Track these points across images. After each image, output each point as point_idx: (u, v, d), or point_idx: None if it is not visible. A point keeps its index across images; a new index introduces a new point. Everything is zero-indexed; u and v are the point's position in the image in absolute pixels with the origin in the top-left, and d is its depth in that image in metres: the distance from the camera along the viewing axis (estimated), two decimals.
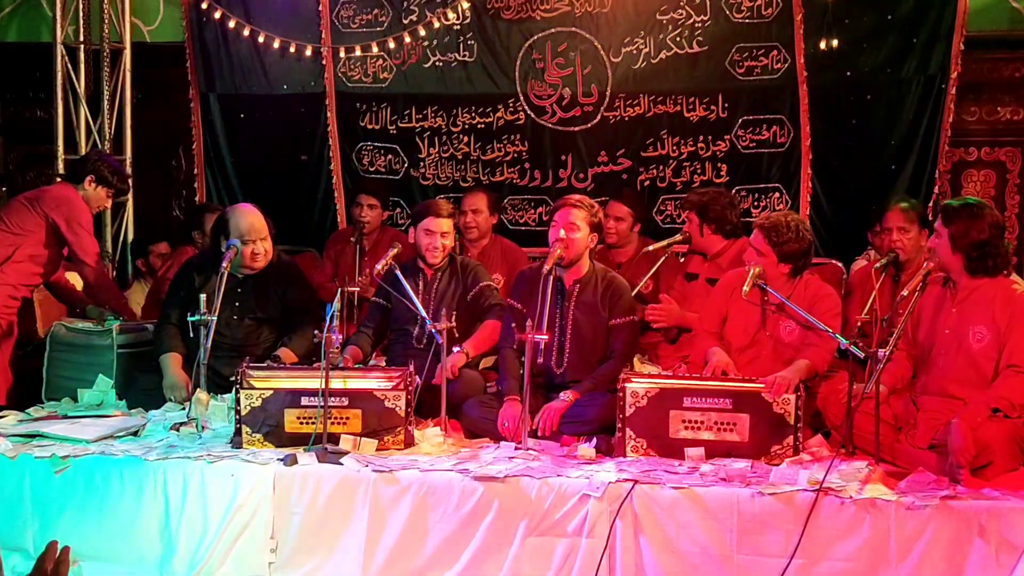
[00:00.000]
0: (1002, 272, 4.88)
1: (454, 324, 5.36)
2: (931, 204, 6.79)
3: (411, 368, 5.15)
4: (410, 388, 5.07)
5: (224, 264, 5.58)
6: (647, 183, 7.51)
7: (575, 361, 5.45)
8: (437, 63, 7.72)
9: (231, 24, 7.78)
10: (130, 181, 7.71)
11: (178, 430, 5.19)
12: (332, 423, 4.96)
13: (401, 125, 7.83)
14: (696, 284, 6.31)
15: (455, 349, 5.57)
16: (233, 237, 5.77)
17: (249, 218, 5.86)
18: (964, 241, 4.79)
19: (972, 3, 6.90)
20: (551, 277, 5.31)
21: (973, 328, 4.80)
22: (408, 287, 5.64)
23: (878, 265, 5.65)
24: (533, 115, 7.62)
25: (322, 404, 4.89)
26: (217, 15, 7.78)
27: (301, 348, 5.75)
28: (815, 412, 5.13)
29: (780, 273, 5.35)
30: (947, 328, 4.88)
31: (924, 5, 6.95)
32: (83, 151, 7.86)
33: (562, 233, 5.39)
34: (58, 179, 7.14)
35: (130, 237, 8.17)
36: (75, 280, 6.70)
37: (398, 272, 5.70)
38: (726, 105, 7.35)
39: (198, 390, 5.26)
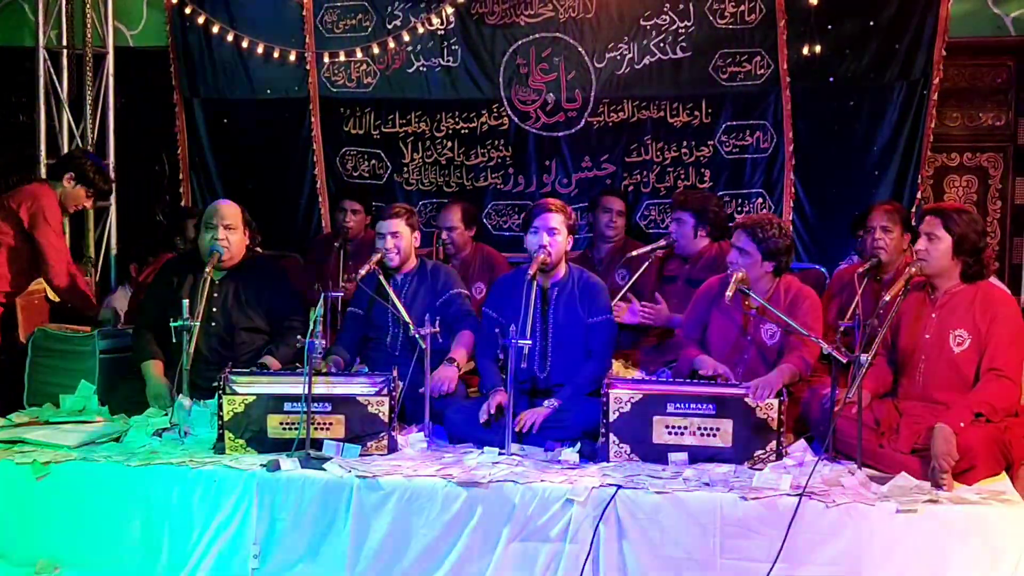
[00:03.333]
0: (985, 278, 4.92)
1: (438, 329, 5.35)
2: (914, 209, 6.82)
3: (395, 373, 5.14)
4: (393, 393, 5.06)
5: (207, 269, 5.56)
6: (631, 188, 7.52)
7: (558, 364, 5.44)
8: (421, 68, 7.73)
9: (215, 29, 7.77)
10: (113, 183, 7.70)
11: (160, 436, 5.17)
12: (315, 429, 4.95)
13: (385, 130, 7.83)
14: (674, 286, 6.31)
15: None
16: (203, 226, 5.77)
17: (217, 205, 5.86)
18: (966, 247, 4.83)
19: (954, 9, 6.93)
20: (536, 284, 5.31)
21: (953, 332, 4.83)
22: (392, 292, 5.64)
23: (861, 270, 5.66)
24: (517, 120, 7.63)
25: (305, 410, 4.88)
26: (200, 20, 7.77)
27: (286, 355, 5.73)
28: (798, 416, 5.14)
29: (764, 272, 5.36)
30: (927, 333, 4.90)
31: (906, 11, 6.98)
32: (63, 154, 7.84)
33: (545, 239, 5.39)
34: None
35: (113, 242, 8.15)
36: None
37: (381, 277, 5.69)
38: (709, 110, 7.37)
39: (180, 395, 5.24)
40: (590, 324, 5.44)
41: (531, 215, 5.50)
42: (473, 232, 7.08)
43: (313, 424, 4.93)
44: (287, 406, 4.99)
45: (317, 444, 4.93)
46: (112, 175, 7.77)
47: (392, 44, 7.62)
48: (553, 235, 5.39)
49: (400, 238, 5.80)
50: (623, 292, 6.21)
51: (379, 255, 5.76)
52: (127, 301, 7.43)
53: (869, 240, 5.86)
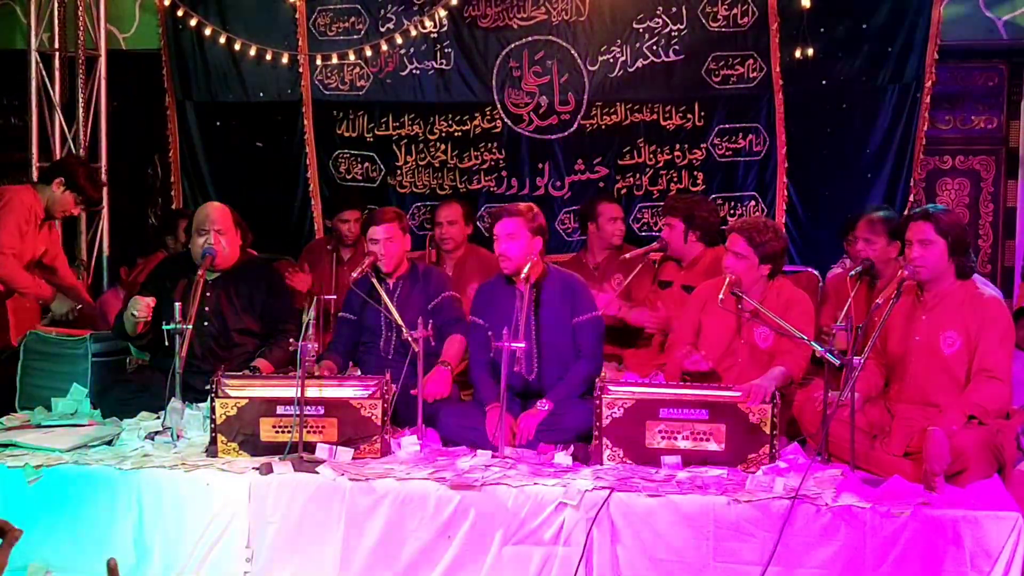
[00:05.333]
0: (973, 275, 4.95)
1: (430, 332, 5.34)
2: (906, 212, 6.83)
3: (387, 376, 5.14)
4: (386, 397, 5.05)
5: (200, 272, 5.55)
6: (624, 191, 7.53)
7: (548, 365, 5.44)
8: (414, 71, 7.72)
9: (207, 31, 7.76)
10: (105, 191, 7.69)
11: (153, 439, 5.16)
12: (308, 432, 4.95)
13: (378, 133, 7.82)
14: (671, 291, 6.32)
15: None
16: (194, 231, 5.77)
17: (206, 209, 5.84)
18: (960, 247, 4.85)
19: (946, 13, 6.96)
20: (525, 288, 5.30)
21: (944, 334, 4.84)
22: (385, 296, 5.63)
23: (853, 273, 5.67)
24: (510, 123, 7.63)
25: (298, 413, 4.87)
26: (193, 22, 7.75)
27: (279, 359, 5.72)
28: (791, 420, 5.14)
29: (760, 276, 5.37)
30: (918, 335, 4.91)
31: (899, 14, 7.00)
32: (57, 159, 7.83)
33: (503, 246, 5.36)
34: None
35: (105, 245, 8.13)
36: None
37: (374, 280, 5.69)
38: (702, 113, 7.37)
39: (173, 399, 5.23)
40: (577, 323, 5.42)
41: (492, 223, 5.47)
42: (471, 230, 7.10)
43: (306, 427, 4.93)
44: (280, 409, 4.99)
45: (310, 447, 4.93)
46: (104, 179, 7.77)
47: (385, 47, 7.61)
48: (511, 241, 5.36)
49: (393, 242, 5.79)
50: (617, 294, 6.21)
51: (371, 259, 5.75)
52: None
53: (860, 249, 5.88)
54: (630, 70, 7.42)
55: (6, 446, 5.08)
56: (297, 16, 7.74)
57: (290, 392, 4.92)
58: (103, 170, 8.01)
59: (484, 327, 5.47)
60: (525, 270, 5.30)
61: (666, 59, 7.36)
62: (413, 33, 7.57)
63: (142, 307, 5.51)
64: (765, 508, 4.36)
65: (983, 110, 7.85)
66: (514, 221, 5.36)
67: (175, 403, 5.24)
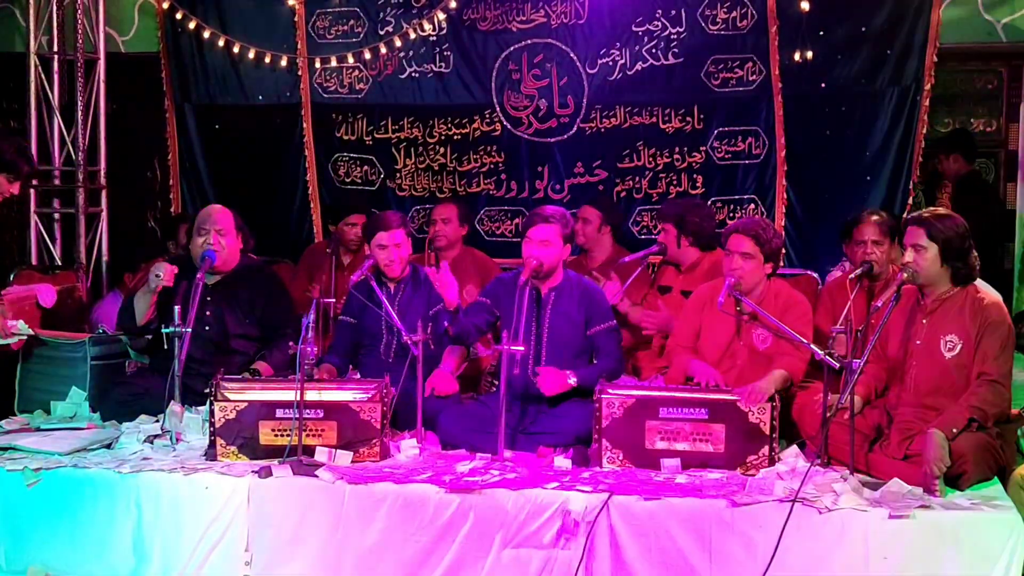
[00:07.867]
0: (974, 280, 4.92)
1: (430, 336, 5.34)
2: (905, 215, 6.82)
3: (387, 380, 5.13)
4: (386, 400, 5.05)
5: (199, 275, 5.54)
6: (623, 194, 7.53)
7: (550, 368, 5.44)
8: (413, 74, 7.73)
9: (206, 34, 7.77)
10: (104, 194, 7.64)
11: (152, 442, 5.16)
12: (307, 435, 4.94)
13: (377, 136, 7.83)
14: (670, 297, 6.31)
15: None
16: (194, 231, 5.77)
17: (209, 210, 5.88)
18: (952, 252, 4.81)
19: (945, 15, 6.95)
20: (527, 289, 5.31)
21: (944, 338, 4.82)
22: (384, 299, 5.63)
23: (853, 275, 5.66)
24: (509, 126, 7.63)
25: (297, 416, 4.87)
26: (192, 25, 7.77)
27: (279, 362, 5.72)
28: (790, 422, 5.14)
29: (764, 275, 5.36)
30: (918, 339, 4.89)
31: (898, 17, 6.99)
32: (56, 162, 7.84)
33: (536, 251, 5.36)
34: None
35: (104, 248, 8.12)
36: None
37: (374, 284, 5.68)
38: (701, 116, 7.37)
39: (172, 402, 5.22)
40: (595, 333, 5.45)
41: (527, 224, 5.48)
42: (465, 231, 7.11)
43: (305, 431, 4.93)
44: (279, 412, 4.98)
45: (309, 451, 4.92)
46: (103, 182, 7.76)
47: (384, 50, 7.62)
48: (545, 247, 5.38)
49: (401, 248, 5.82)
50: (617, 296, 6.21)
51: (372, 261, 5.75)
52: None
53: (860, 251, 5.87)
54: (629, 73, 7.42)
55: (5, 449, 5.08)
56: (296, 19, 7.76)
57: (289, 395, 4.91)
58: (102, 173, 8.02)
59: (489, 307, 5.53)
60: (530, 275, 5.31)
61: (665, 62, 7.36)
62: (412, 36, 7.58)
63: (166, 271, 5.52)
64: (764, 511, 4.36)
65: (982, 113, 7.87)
66: (550, 228, 5.39)
67: (174, 406, 5.23)
